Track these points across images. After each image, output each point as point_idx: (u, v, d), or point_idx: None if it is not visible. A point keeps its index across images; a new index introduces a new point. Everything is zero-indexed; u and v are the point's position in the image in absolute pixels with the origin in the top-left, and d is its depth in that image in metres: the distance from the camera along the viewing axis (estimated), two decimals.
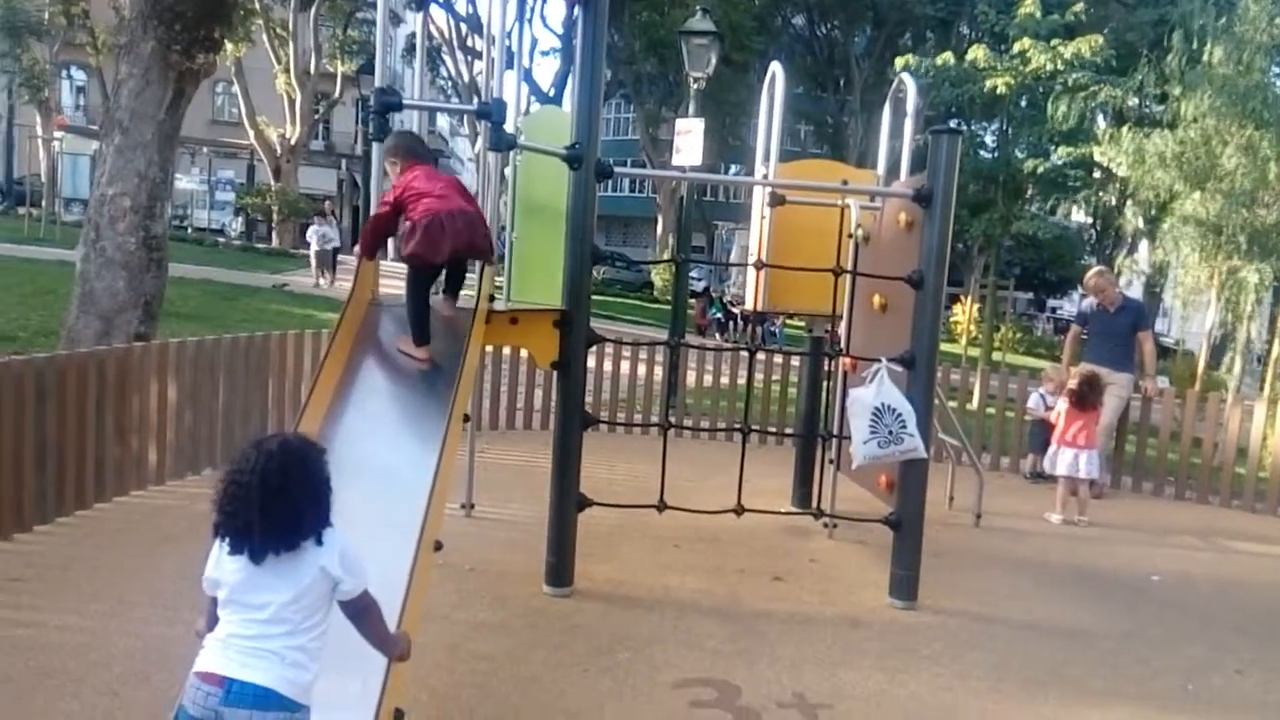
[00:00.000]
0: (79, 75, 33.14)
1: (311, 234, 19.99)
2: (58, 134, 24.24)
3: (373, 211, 3.79)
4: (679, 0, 23.53)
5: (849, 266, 5.02)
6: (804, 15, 31.82)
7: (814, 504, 5.23)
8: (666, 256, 32.24)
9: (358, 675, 2.38)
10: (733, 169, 42.75)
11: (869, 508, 5.08)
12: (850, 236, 5.34)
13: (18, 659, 3.24)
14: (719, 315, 23.30)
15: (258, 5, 25.24)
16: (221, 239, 27.37)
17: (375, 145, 3.90)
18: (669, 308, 23.55)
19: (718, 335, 22.66)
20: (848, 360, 5.23)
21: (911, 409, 4.31)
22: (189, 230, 27.34)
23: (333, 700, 2.21)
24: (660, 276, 30.17)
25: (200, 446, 5.78)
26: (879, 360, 4.49)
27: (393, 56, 39.74)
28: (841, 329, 5.36)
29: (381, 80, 3.88)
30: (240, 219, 30.82)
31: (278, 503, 1.89)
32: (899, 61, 14.45)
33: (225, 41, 7.72)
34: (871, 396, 4.30)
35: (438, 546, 2.95)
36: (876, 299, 5.06)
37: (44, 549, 4.35)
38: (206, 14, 7.22)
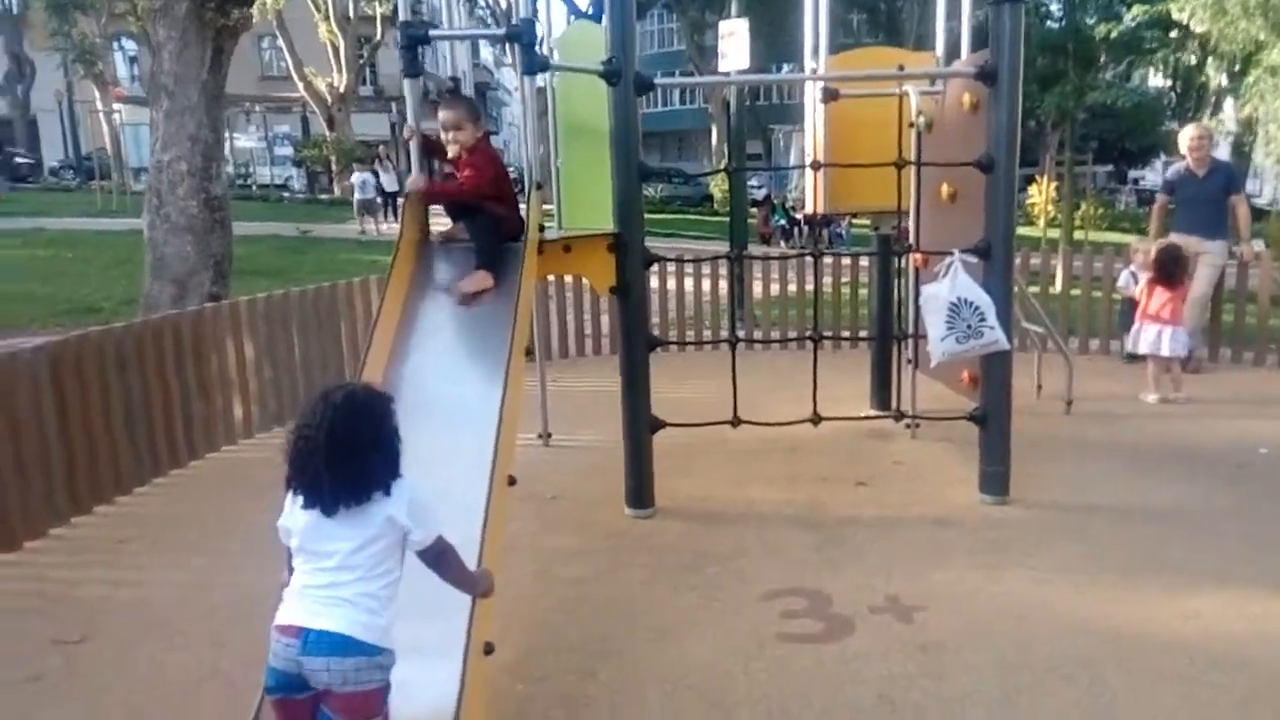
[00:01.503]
0: (130, 45, 33.59)
1: (354, 179, 20.02)
2: (116, 106, 24.73)
3: (415, 150, 3.75)
4: None
5: (911, 157, 4.77)
6: None
7: (894, 406, 5.10)
8: (721, 167, 31.62)
9: (440, 616, 2.40)
10: (785, 68, 41.33)
11: (952, 405, 4.93)
12: (911, 125, 5.07)
13: (126, 617, 3.40)
14: (783, 222, 22.83)
15: None
16: (286, 194, 27.78)
17: (408, 81, 3.79)
18: (729, 219, 23.18)
19: (783, 243, 22.24)
20: (918, 256, 5.02)
21: (990, 300, 4.12)
22: (253, 188, 27.80)
23: (419, 644, 2.23)
24: (719, 188, 29.59)
25: (283, 399, 5.92)
26: (951, 253, 4.28)
27: None
28: (909, 224, 5.13)
29: (406, 13, 3.75)
30: (301, 172, 31.18)
31: (345, 456, 1.87)
32: None
33: None
34: (946, 291, 4.12)
35: (511, 481, 2.94)
36: (944, 188, 4.81)
37: (145, 509, 4.55)
38: None
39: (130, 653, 3.15)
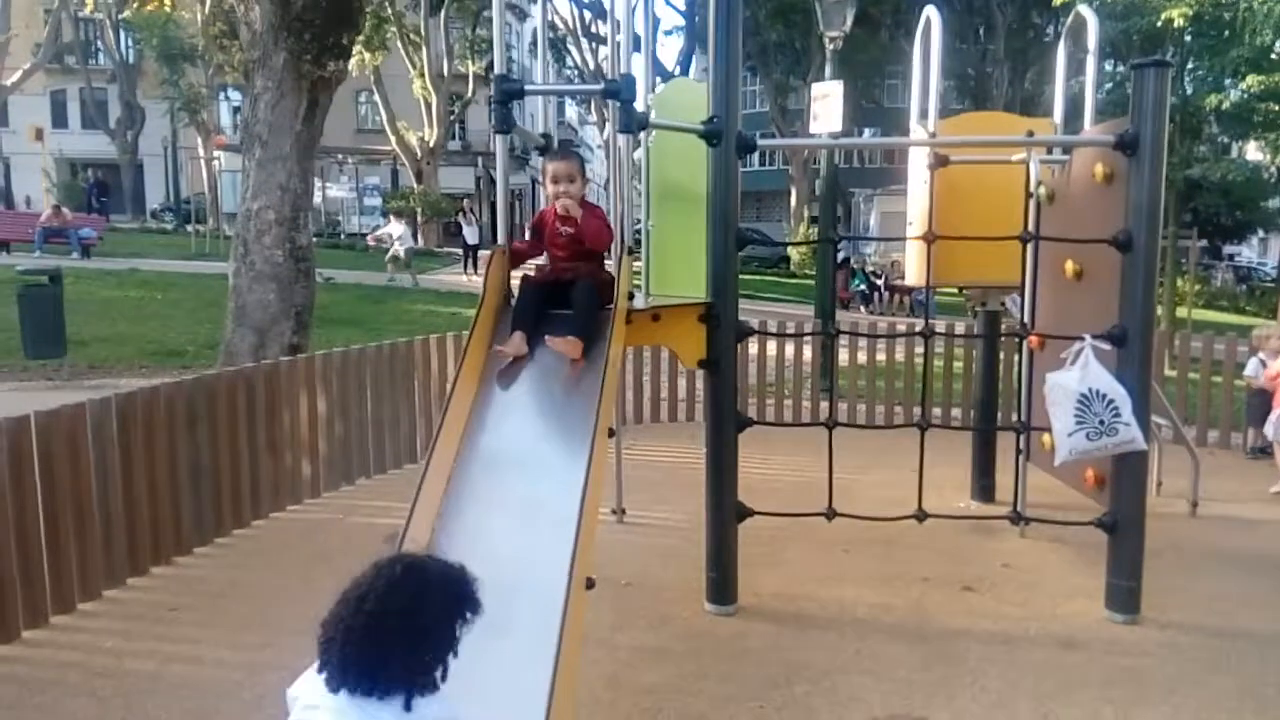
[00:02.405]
0: (234, 96, 35.17)
1: (390, 229, 20.05)
2: (217, 153, 25.75)
3: (502, 204, 3.55)
4: None
5: (1029, 229, 4.39)
6: None
7: (996, 498, 4.65)
8: (802, 229, 31.32)
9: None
10: (866, 132, 41.01)
11: (1064, 499, 4.46)
12: (1030, 196, 4.71)
13: (174, 701, 3.16)
14: (862, 287, 22.34)
15: (390, 13, 25.89)
16: (373, 244, 28.37)
17: (500, 137, 3.60)
18: (808, 282, 22.80)
19: (862, 308, 21.74)
20: (1034, 338, 4.60)
21: (1125, 393, 3.68)
22: (341, 236, 28.48)
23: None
24: (798, 250, 29.23)
25: (351, 457, 5.75)
26: (1077, 338, 3.87)
27: (519, 51, 40.31)
28: (1019, 300, 4.73)
29: (502, 66, 3.57)
30: (387, 222, 31.92)
31: (366, 635, 1.57)
32: None
33: (354, 48, 7.70)
34: (1076, 381, 3.70)
35: (589, 585, 2.63)
36: (1070, 265, 4.41)
37: (202, 573, 4.35)
38: (334, 21, 7.21)
39: None
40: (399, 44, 28.24)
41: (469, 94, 31.93)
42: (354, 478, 5.75)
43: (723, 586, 4.00)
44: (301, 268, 7.41)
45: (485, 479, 2.90)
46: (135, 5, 23.54)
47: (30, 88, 31.93)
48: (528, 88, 3.59)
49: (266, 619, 3.81)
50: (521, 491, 2.86)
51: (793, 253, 29.74)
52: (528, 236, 3.69)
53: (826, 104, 9.56)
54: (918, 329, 4.51)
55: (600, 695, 3.21)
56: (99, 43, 37.24)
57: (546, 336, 3.18)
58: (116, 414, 4.05)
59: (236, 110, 36.22)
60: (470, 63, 31.38)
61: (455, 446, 2.96)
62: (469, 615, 1.66)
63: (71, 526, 3.84)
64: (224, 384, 4.76)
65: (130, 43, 34.78)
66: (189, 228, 25.02)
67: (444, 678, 1.64)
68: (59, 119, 38.54)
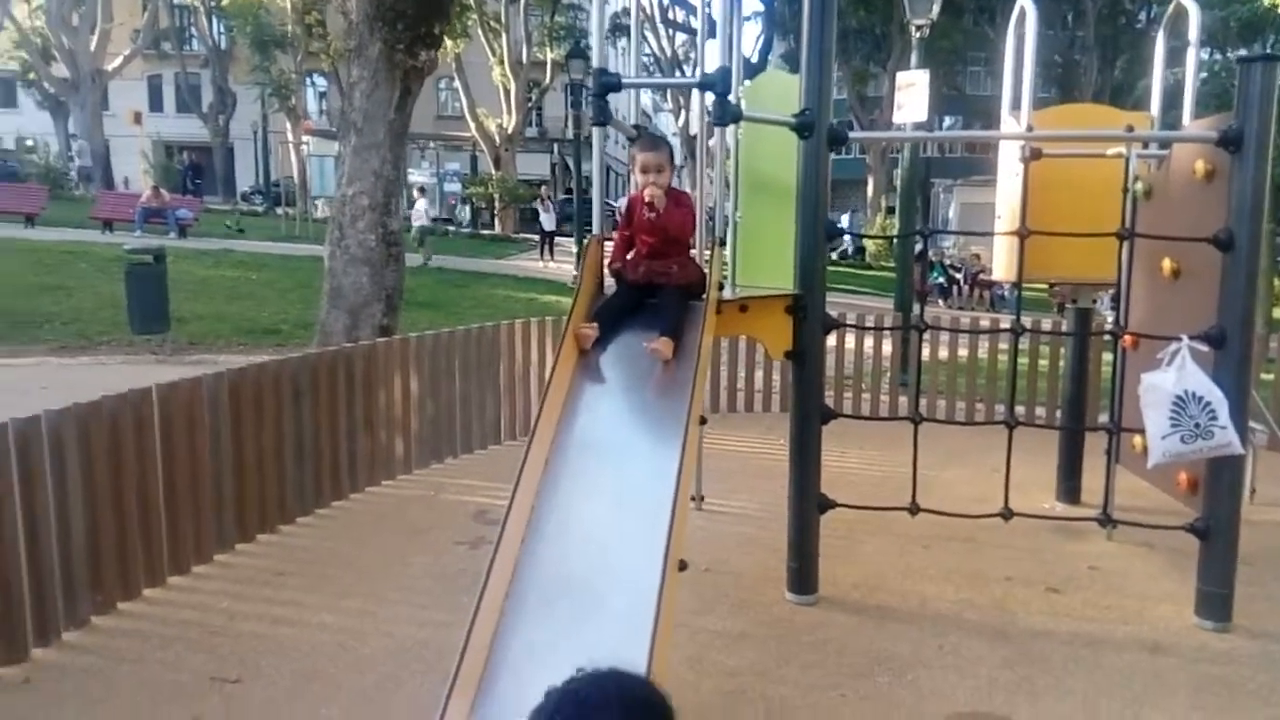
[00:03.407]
0: (320, 82, 36.17)
1: (418, 207, 20.02)
2: (305, 138, 26.53)
3: (597, 194, 3.66)
4: None
5: (1125, 225, 4.31)
6: None
7: (1083, 499, 4.59)
8: (879, 220, 30.85)
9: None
10: (947, 122, 40.08)
11: (1155, 503, 4.39)
12: (1126, 191, 4.62)
13: (283, 661, 3.36)
14: (940, 280, 21.95)
15: (472, 1, 26.27)
16: (451, 228, 28.97)
17: (596, 129, 3.69)
18: (883, 275, 22.47)
19: (940, 301, 21.37)
20: (1128, 337, 4.53)
21: (1222, 395, 3.61)
22: (429, 223, 29.13)
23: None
24: (874, 241, 28.82)
25: (441, 436, 5.95)
26: (1174, 339, 3.80)
27: (597, 38, 40.38)
28: (1107, 298, 4.65)
29: (600, 60, 3.66)
30: (467, 208, 32.51)
31: None
32: None
33: (444, 37, 7.89)
34: (1172, 382, 3.64)
35: (682, 566, 2.72)
36: (1167, 264, 4.32)
37: (305, 542, 4.58)
38: (426, 11, 7.41)
39: (286, 699, 3.09)
40: (479, 31, 28.63)
41: (546, 81, 32.20)
42: (443, 456, 5.95)
43: (803, 576, 4.05)
44: (392, 251, 7.66)
45: (580, 462, 3.00)
46: None
47: (128, 73, 33.33)
48: (624, 81, 3.67)
49: (365, 587, 4.00)
50: (615, 475, 2.96)
51: (868, 244, 29.32)
52: (619, 236, 3.76)
53: (912, 93, 9.45)
54: (1005, 326, 4.47)
55: (684, 676, 3.30)
56: (193, 29, 38.57)
57: (644, 341, 3.26)
58: (229, 388, 4.29)
59: (323, 95, 37.25)
60: (549, 50, 31.63)
61: (553, 430, 3.08)
62: None
63: (187, 493, 4.09)
64: (325, 362, 4.99)
65: (222, 29, 35.98)
66: (278, 210, 25.87)
67: None
68: (155, 103, 40.15)
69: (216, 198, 33.51)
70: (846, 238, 29.54)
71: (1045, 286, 9.63)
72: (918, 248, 24.35)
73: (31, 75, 34.24)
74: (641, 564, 2.59)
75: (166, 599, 3.90)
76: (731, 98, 3.74)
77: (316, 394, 4.87)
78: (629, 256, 3.59)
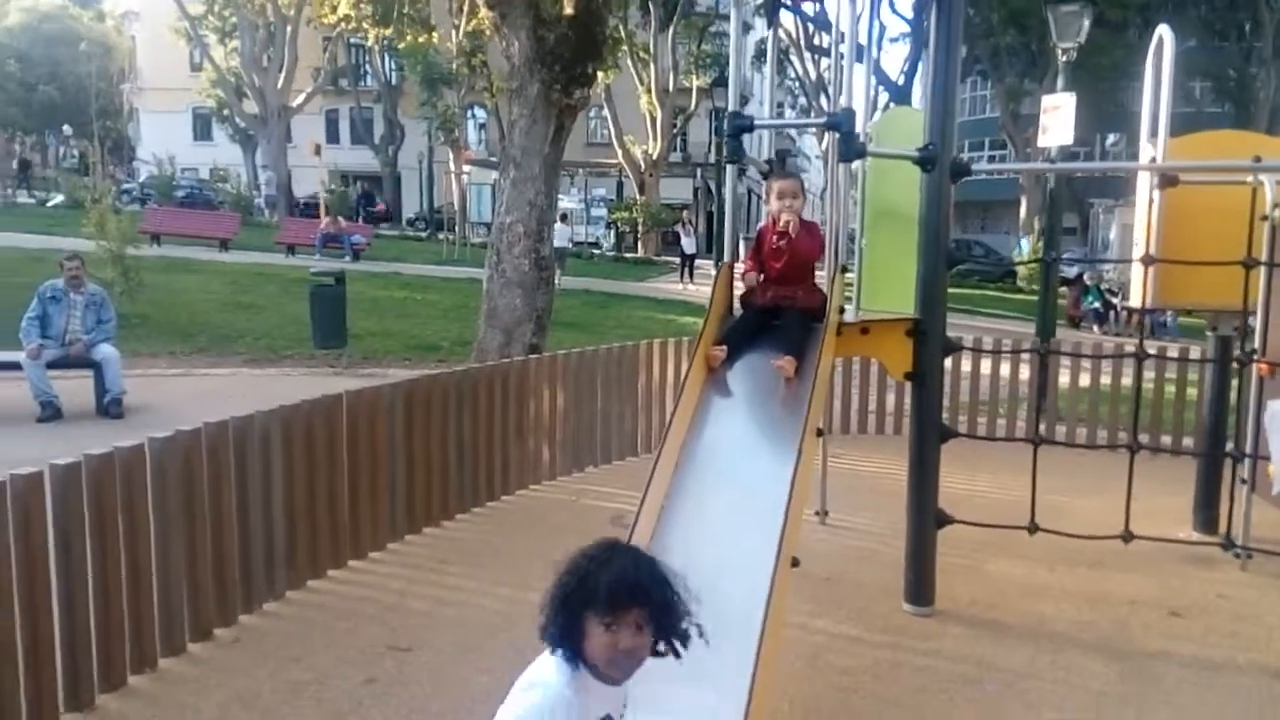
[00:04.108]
0: (480, 114, 38.27)
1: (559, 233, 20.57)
2: (466, 168, 28.22)
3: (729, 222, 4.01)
4: None
5: (1262, 253, 4.30)
6: None
7: (1221, 530, 4.55)
8: (1031, 241, 29.74)
9: (712, 688, 2.52)
10: (1109, 139, 38.14)
11: None
12: (1264, 219, 4.59)
13: (447, 635, 3.86)
14: (1096, 305, 20.96)
15: (623, 33, 27.29)
16: (596, 251, 30.04)
17: (731, 166, 4.07)
18: (1035, 298, 21.70)
19: (1095, 327, 20.42)
20: (1263, 365, 4.49)
21: None
22: (570, 245, 30.38)
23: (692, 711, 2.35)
24: (1025, 265, 27.82)
25: (582, 446, 6.43)
26: None
27: (743, 63, 40.85)
28: (1256, 326, 4.61)
29: (734, 104, 4.04)
30: (611, 232, 33.56)
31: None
32: None
33: (597, 75, 8.48)
34: None
35: (795, 563, 3.02)
36: None
37: (463, 535, 5.13)
38: (582, 53, 8.02)
39: (448, 668, 3.58)
40: (628, 61, 29.65)
41: (692, 107, 32.91)
42: (584, 465, 6.43)
43: (920, 588, 4.24)
44: (544, 275, 8.29)
45: (706, 468, 3.35)
46: (407, 39, 26.43)
47: (309, 108, 36.29)
48: (757, 122, 4.03)
49: (515, 577, 4.48)
50: (738, 478, 3.30)
51: (1019, 267, 28.33)
52: (745, 252, 4.10)
53: (1057, 116, 9.33)
54: (1128, 350, 4.53)
55: (799, 671, 3.58)
56: (367, 66, 41.62)
57: (770, 360, 3.58)
58: (405, 396, 4.89)
59: (483, 127, 39.36)
60: (694, 77, 32.35)
61: (681, 439, 3.45)
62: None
63: (367, 487, 4.70)
64: (484, 376, 5.56)
65: (393, 66, 38.65)
66: (440, 235, 27.59)
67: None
68: (331, 135, 43.46)
69: (385, 224, 35.94)
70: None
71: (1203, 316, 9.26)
72: (1073, 270, 23.42)
73: (225, 111, 37.92)
74: (758, 557, 2.91)
75: (347, 579, 4.50)
76: (859, 133, 4.03)
77: (476, 404, 5.44)
78: (758, 282, 3.92)
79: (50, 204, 28.13)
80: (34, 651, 3.03)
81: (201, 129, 44.83)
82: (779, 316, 3.74)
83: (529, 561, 4.69)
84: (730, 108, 4.14)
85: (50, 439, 6.71)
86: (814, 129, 28.15)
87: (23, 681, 2.99)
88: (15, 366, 7.44)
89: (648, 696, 2.10)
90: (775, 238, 3.85)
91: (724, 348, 3.64)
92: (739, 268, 4.09)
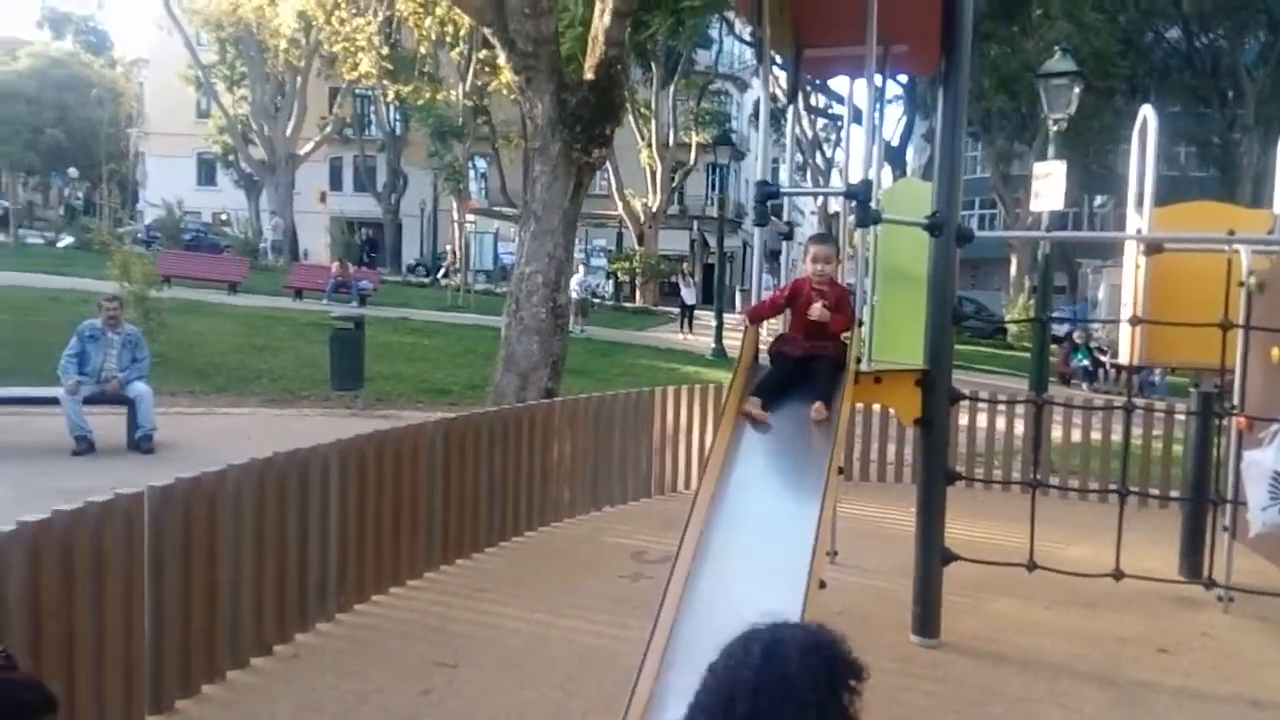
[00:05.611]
0: (480, 164, 39.05)
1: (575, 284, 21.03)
2: (470, 217, 28.80)
3: (771, 293, 4.39)
4: (1031, 32, 22.43)
5: (1240, 317, 4.71)
6: (1179, 27, 28.62)
7: (1204, 574, 4.90)
8: (1022, 300, 30.41)
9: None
10: (1098, 200, 39.18)
11: (1273, 580, 4.66)
12: (1240, 285, 5.01)
13: (489, 654, 4.16)
14: (1085, 362, 21.48)
15: (625, 92, 28.12)
16: (596, 300, 30.51)
17: (758, 229, 4.47)
18: (1025, 355, 22.20)
19: (1084, 384, 20.90)
20: (1242, 419, 4.88)
21: None
22: (589, 296, 30.89)
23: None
24: (1015, 322, 28.38)
25: (600, 485, 6.75)
26: (1278, 420, 4.18)
27: (740, 122, 41.95)
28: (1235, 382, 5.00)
29: (765, 174, 4.45)
30: (610, 282, 34.10)
31: None
32: None
33: (614, 135, 8.96)
34: (1271, 459, 4.03)
35: (822, 585, 3.35)
36: (1275, 351, 4.69)
37: (495, 566, 5.43)
38: (601, 114, 8.52)
39: (495, 682, 3.87)
40: (630, 117, 30.47)
41: (691, 162, 33.73)
42: (602, 505, 6.75)
43: (927, 621, 4.56)
44: (559, 323, 8.67)
45: (736, 501, 3.69)
46: (425, 96, 27.39)
47: (314, 155, 36.97)
48: (783, 190, 4.45)
49: (547, 604, 4.78)
50: (765, 513, 3.63)
51: (1011, 325, 28.89)
52: (772, 300, 4.41)
53: (1048, 183, 9.84)
54: (1117, 404, 4.91)
55: None
56: (372, 116, 42.47)
57: (807, 408, 3.90)
58: (444, 433, 5.23)
59: (483, 177, 40.14)
60: (694, 133, 33.22)
61: (716, 475, 3.79)
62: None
63: (408, 518, 5.01)
64: (512, 418, 5.90)
65: (398, 117, 39.49)
66: (442, 281, 28.08)
67: None
68: (335, 182, 44.13)
69: (385, 269, 36.43)
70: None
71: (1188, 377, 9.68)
72: (1064, 329, 23.95)
73: (231, 157, 38.60)
74: (791, 576, 3.24)
75: (390, 603, 4.79)
76: (872, 204, 4.44)
77: (506, 443, 5.77)
78: (788, 333, 4.27)
79: (60, 244, 28.53)
80: (126, 659, 3.32)
81: (206, 174, 45.49)
82: (810, 365, 4.08)
83: (558, 590, 5.00)
84: (759, 176, 4.56)
85: (85, 472, 7.00)
86: (809, 183, 28.96)
87: (117, 685, 3.28)
88: (53, 401, 7.74)
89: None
90: (814, 294, 4.15)
91: (758, 401, 3.95)
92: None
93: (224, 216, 39.24)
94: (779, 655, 1.37)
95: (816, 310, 4.09)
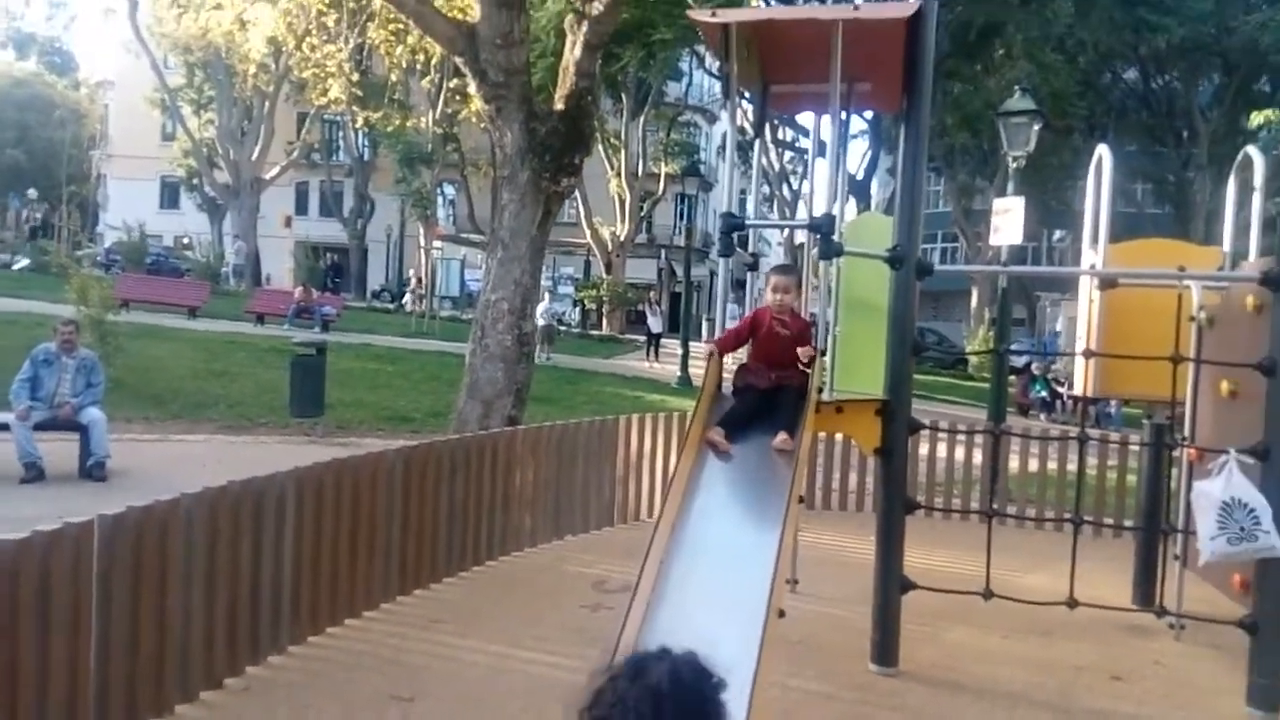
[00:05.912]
0: (449, 190, 39.06)
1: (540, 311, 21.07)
2: (437, 244, 28.76)
3: (735, 323, 4.41)
4: (993, 71, 23.01)
5: (1190, 350, 4.82)
6: (1136, 69, 29.51)
7: (1156, 602, 4.97)
8: (982, 331, 30.93)
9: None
10: (1056, 234, 40.05)
11: (1223, 609, 4.74)
12: (1191, 320, 5.14)
13: (445, 686, 4.10)
14: (1043, 393, 21.85)
15: (595, 122, 28.36)
16: (563, 328, 30.53)
17: (722, 260, 4.52)
18: (985, 385, 22.55)
19: (1041, 415, 21.23)
20: (1192, 450, 4.98)
21: (1265, 504, 4.06)
22: (555, 323, 30.88)
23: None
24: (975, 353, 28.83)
25: (563, 514, 6.71)
26: (1226, 451, 4.28)
27: (709, 153, 42.40)
28: (1185, 414, 5.12)
29: (733, 206, 4.50)
30: (577, 309, 34.17)
31: None
32: (1256, 117, 13.13)
33: (583, 164, 9.01)
34: (1219, 489, 4.12)
35: (781, 614, 3.35)
36: (1225, 385, 4.81)
37: (454, 596, 5.36)
38: (570, 144, 8.57)
39: (452, 715, 3.83)
40: (600, 147, 30.71)
41: (659, 192, 34.02)
42: (564, 534, 6.71)
43: (886, 650, 4.57)
44: (525, 350, 8.65)
45: (698, 532, 3.69)
46: (395, 124, 27.39)
47: (279, 180, 36.74)
48: (748, 222, 4.50)
49: (505, 635, 4.73)
50: (725, 541, 3.64)
51: (970, 356, 29.34)
52: (737, 330, 4.43)
53: (1008, 218, 10.03)
54: (1073, 434, 5.00)
55: None
56: (340, 141, 42.35)
57: (771, 440, 3.92)
58: (404, 461, 5.18)
59: (451, 203, 40.12)
60: (663, 164, 33.53)
61: (678, 504, 3.79)
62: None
63: (365, 547, 4.94)
64: (475, 446, 5.86)
65: (365, 143, 39.43)
66: (408, 307, 27.95)
67: None
68: (300, 207, 43.85)
69: (350, 295, 36.17)
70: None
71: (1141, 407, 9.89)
72: (1022, 360, 24.37)
73: (195, 181, 38.22)
74: (752, 605, 3.23)
75: (344, 634, 4.70)
76: (835, 237, 4.51)
77: (468, 471, 5.73)
78: (750, 362, 4.30)
79: (16, 267, 27.96)
80: (70, 691, 3.23)
81: (169, 197, 45.00)
82: (775, 396, 4.10)
83: (517, 621, 4.95)
84: (725, 208, 4.61)
85: (34, 500, 6.83)
86: (774, 214, 29.31)
87: (60, 718, 3.19)
88: (3, 428, 7.55)
89: None
90: (775, 324, 4.19)
91: (722, 431, 3.96)
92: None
93: (186, 240, 38.77)
94: (652, 694, 1.43)
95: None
